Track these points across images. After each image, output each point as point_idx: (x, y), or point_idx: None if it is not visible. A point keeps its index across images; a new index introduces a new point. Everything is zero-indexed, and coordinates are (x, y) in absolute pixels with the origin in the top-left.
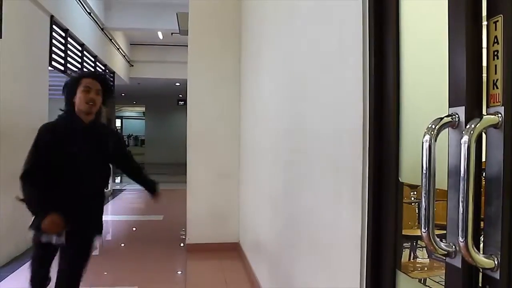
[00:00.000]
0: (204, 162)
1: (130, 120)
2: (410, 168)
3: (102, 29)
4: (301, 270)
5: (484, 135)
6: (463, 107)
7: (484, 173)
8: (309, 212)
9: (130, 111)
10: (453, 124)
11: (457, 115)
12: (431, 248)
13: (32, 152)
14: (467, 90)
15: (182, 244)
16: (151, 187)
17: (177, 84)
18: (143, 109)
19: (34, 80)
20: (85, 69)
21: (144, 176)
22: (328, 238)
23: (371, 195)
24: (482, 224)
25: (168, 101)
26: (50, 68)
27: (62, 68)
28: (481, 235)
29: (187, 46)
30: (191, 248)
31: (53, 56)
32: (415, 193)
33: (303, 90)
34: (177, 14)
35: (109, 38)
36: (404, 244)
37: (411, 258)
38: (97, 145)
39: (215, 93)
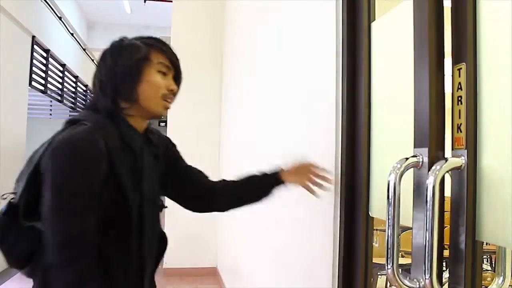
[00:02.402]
0: None
1: None
2: (380, 203)
3: (84, 50)
4: None
5: (448, 175)
6: (427, 149)
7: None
8: (285, 242)
9: None
10: (418, 165)
11: (421, 156)
12: (395, 285)
13: (73, 206)
14: (430, 133)
15: (159, 266)
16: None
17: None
18: None
19: (13, 100)
20: (67, 86)
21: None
22: (303, 269)
23: (342, 229)
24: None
25: (149, 122)
26: (29, 87)
27: (42, 88)
28: (443, 272)
29: None
30: (168, 273)
31: (34, 76)
32: None
33: (283, 123)
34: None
35: (91, 58)
36: (379, 273)
37: (387, 285)
38: (159, 172)
39: (195, 115)
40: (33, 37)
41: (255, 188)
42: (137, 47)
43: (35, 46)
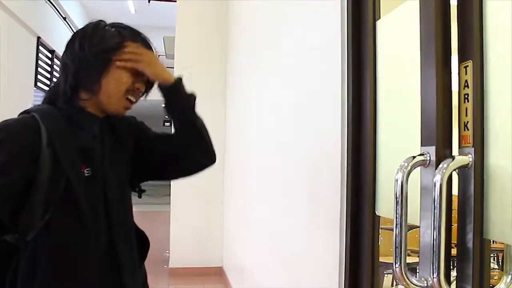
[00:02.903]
0: (188, 185)
1: None
2: (387, 202)
3: None
4: None
5: (455, 173)
6: (434, 147)
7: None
8: (291, 241)
9: None
10: (425, 163)
11: (428, 154)
12: (403, 284)
13: None
14: (437, 131)
15: (165, 266)
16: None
17: (164, 105)
18: None
19: (19, 100)
20: None
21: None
22: (309, 268)
23: (348, 228)
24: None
25: (154, 122)
26: (35, 88)
27: (47, 88)
28: (451, 270)
29: (173, 67)
30: (174, 272)
31: (39, 76)
32: None
33: (287, 121)
34: (163, 38)
35: None
36: (386, 271)
37: (393, 284)
38: (123, 160)
39: (200, 112)
40: (38, 38)
41: (171, 115)
42: (110, 37)
43: (40, 47)
